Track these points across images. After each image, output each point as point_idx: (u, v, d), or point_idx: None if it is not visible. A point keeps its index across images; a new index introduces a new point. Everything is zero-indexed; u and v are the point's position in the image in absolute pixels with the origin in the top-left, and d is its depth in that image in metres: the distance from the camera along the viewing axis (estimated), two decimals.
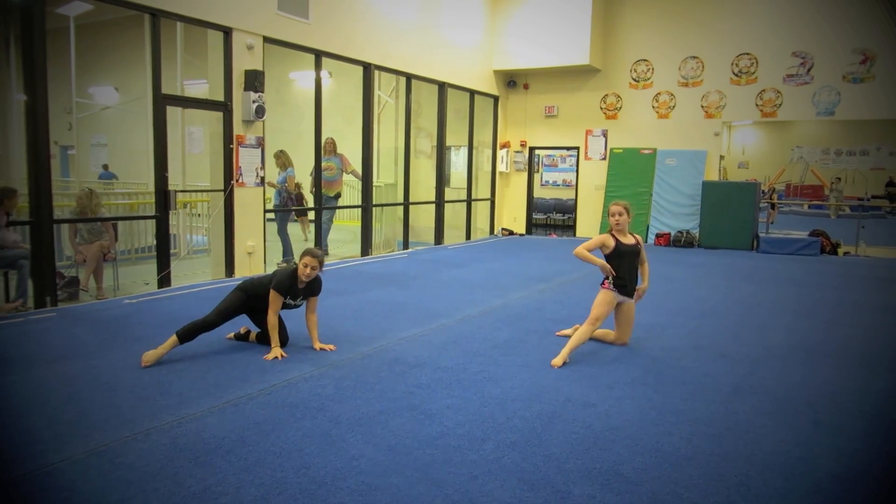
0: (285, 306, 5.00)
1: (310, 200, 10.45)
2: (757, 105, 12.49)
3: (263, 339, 5.10)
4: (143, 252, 9.74)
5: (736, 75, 12.61)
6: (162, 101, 7.61)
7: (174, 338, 4.73)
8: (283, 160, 9.96)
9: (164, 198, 7.65)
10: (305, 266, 4.85)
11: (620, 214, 5.24)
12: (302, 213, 9.61)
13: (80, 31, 11.19)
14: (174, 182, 9.31)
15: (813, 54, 11.96)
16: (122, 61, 13.70)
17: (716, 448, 3.44)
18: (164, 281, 7.73)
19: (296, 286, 4.94)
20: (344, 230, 13.08)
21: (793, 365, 4.99)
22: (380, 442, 3.41)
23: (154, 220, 7.87)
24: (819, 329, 6.16)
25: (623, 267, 5.21)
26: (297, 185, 10.22)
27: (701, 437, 3.57)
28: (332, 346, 5.07)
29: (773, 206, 19.48)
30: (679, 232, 12.76)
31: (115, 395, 4.00)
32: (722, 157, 13.43)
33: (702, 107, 12.95)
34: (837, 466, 3.25)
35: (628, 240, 5.28)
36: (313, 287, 5.06)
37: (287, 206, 10.04)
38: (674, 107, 13.21)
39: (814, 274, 9.54)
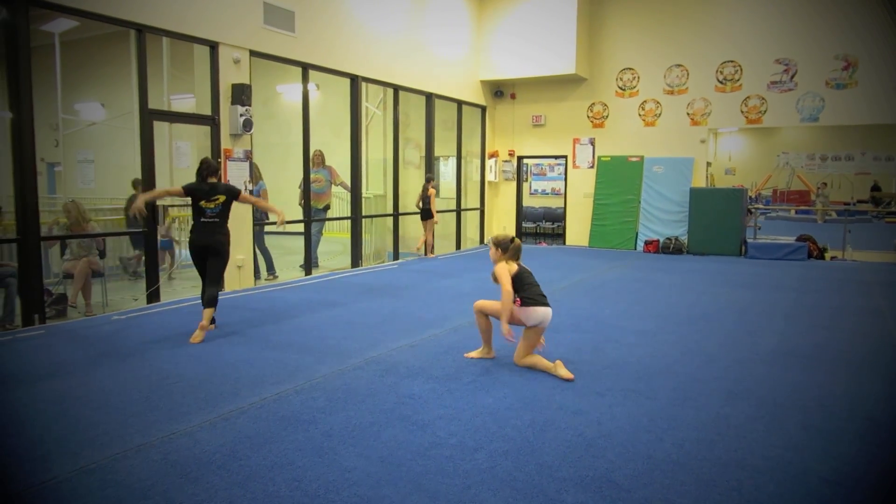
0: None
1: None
2: (742, 112, 12.61)
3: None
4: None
5: (721, 83, 12.72)
6: (149, 116, 7.60)
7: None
8: (254, 173, 9.85)
9: (152, 213, 7.63)
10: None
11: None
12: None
13: (66, 48, 11.17)
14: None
15: (796, 61, 12.09)
16: (108, 77, 13.66)
17: (707, 454, 3.45)
18: (153, 296, 7.70)
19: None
20: (334, 242, 13.05)
21: (783, 369, 5.02)
22: (372, 454, 3.40)
23: (142, 236, 7.84)
24: (808, 333, 6.20)
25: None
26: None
27: (692, 443, 3.58)
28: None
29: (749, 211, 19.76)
30: (668, 239, 12.82)
31: (104, 412, 3.97)
32: (709, 164, 13.53)
33: (688, 114, 13.05)
34: (828, 470, 3.27)
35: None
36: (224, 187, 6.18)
37: (262, 221, 9.88)
38: (660, 114, 13.30)
39: (802, 279, 9.61)
